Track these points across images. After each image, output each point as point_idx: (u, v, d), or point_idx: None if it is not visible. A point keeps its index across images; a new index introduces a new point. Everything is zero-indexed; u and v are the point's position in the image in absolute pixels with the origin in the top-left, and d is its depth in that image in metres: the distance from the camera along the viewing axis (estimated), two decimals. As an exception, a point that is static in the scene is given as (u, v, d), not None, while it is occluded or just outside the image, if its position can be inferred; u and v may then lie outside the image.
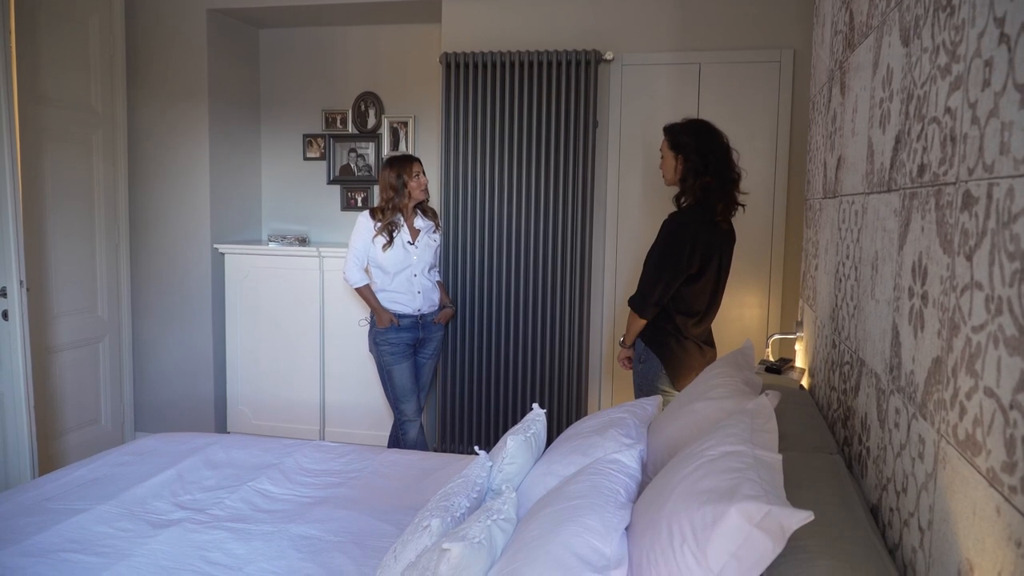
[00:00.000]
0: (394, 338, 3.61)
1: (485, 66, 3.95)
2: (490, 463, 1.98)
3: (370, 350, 3.72)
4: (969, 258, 1.06)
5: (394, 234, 3.56)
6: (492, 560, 1.45)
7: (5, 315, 3.16)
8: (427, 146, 4.56)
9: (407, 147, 4.59)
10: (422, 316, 3.69)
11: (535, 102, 3.91)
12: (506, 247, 4.01)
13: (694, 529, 1.22)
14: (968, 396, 1.05)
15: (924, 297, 1.28)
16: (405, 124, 4.60)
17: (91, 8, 4.00)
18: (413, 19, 4.45)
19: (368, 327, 3.75)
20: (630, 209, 3.98)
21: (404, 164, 3.58)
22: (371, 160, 4.68)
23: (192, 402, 4.53)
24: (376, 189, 4.62)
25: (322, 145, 4.74)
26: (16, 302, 3.16)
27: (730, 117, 3.61)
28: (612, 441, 1.93)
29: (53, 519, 2.18)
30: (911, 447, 1.33)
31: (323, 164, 4.76)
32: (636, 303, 2.86)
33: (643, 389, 2.92)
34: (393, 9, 4.28)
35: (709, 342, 3.00)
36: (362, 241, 3.59)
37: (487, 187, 4.00)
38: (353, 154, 4.71)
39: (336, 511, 2.28)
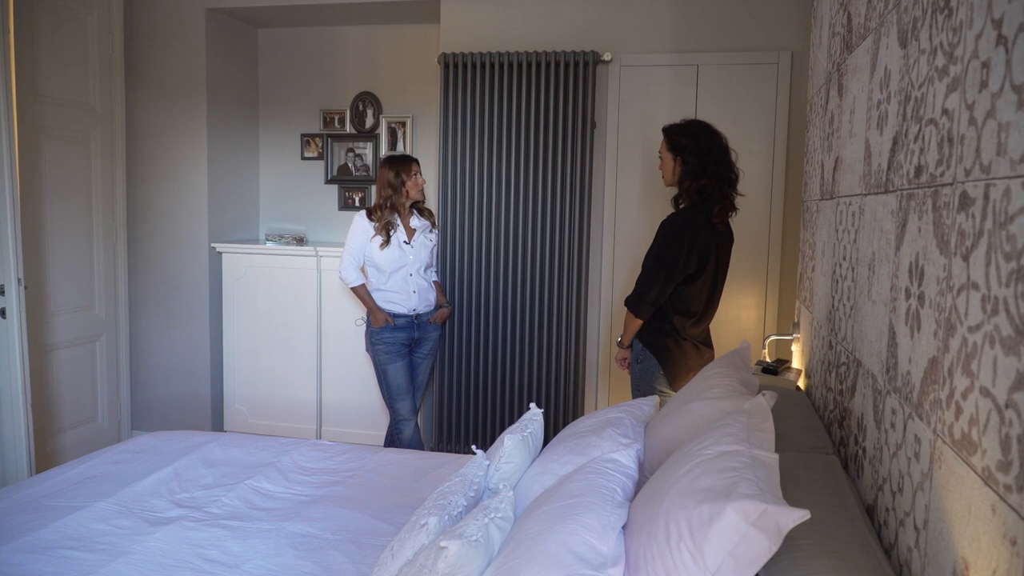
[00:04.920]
0: (389, 337, 3.62)
1: (483, 66, 3.96)
2: (487, 462, 1.98)
3: (367, 349, 3.73)
4: (966, 259, 1.07)
5: (391, 233, 3.56)
6: (489, 558, 1.46)
7: (3, 313, 3.15)
8: (425, 146, 4.56)
9: (405, 147, 4.60)
10: (418, 316, 3.69)
11: (533, 103, 3.91)
12: (503, 247, 4.01)
13: (691, 527, 1.22)
14: (964, 396, 1.05)
15: (921, 298, 1.28)
16: (403, 124, 4.61)
17: (90, 6, 4.00)
18: (411, 19, 4.45)
19: (364, 326, 3.75)
20: (627, 210, 3.99)
21: (403, 163, 3.58)
22: (369, 160, 4.69)
23: (189, 401, 4.52)
24: (373, 189, 4.62)
25: (320, 145, 4.74)
26: (14, 300, 3.16)
27: (728, 118, 3.62)
28: (609, 441, 1.94)
29: (50, 516, 2.18)
30: (907, 447, 1.33)
31: (321, 164, 4.76)
32: (632, 303, 2.86)
33: (641, 389, 2.93)
34: (392, 9, 4.28)
35: (707, 343, 3.00)
36: (358, 240, 3.60)
37: (485, 187, 4.00)
38: (351, 154, 4.72)
39: (333, 509, 2.28)
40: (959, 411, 1.07)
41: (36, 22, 3.66)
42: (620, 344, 3.00)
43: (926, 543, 1.19)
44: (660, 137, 2.94)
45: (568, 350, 3.99)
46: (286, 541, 2.07)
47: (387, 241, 3.55)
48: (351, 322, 4.24)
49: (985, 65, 1.03)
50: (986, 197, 1.00)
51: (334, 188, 4.76)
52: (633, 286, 2.91)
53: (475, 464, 1.95)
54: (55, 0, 3.76)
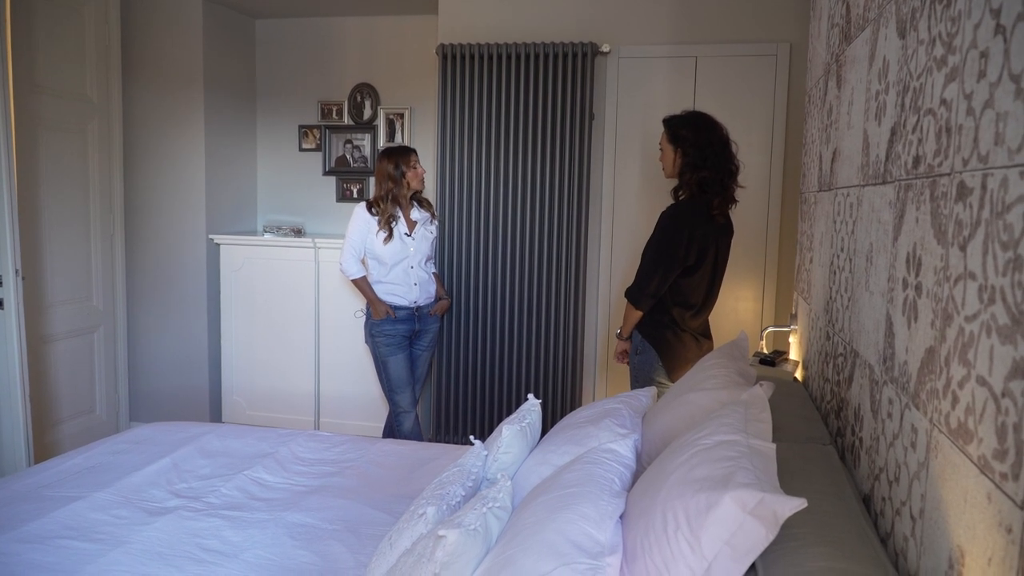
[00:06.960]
0: (390, 330, 3.62)
1: (482, 58, 3.95)
2: (485, 452, 1.99)
3: (366, 341, 3.73)
4: (963, 248, 1.07)
5: (392, 226, 3.56)
6: (487, 547, 1.46)
7: (0, 304, 3.15)
8: (423, 138, 4.56)
9: (403, 139, 4.59)
10: (418, 308, 3.69)
11: (531, 94, 3.90)
12: (502, 239, 4.01)
13: (688, 516, 1.23)
14: (960, 385, 1.06)
15: (918, 288, 1.29)
16: (401, 116, 4.60)
17: (86, -4, 3.98)
18: (410, 10, 4.44)
19: (364, 318, 3.75)
20: (626, 202, 3.99)
21: (402, 155, 3.58)
22: (367, 151, 4.68)
23: (187, 392, 4.53)
24: (371, 180, 4.62)
25: (318, 136, 4.73)
26: (11, 291, 3.15)
27: (726, 111, 3.60)
28: (607, 431, 1.94)
29: (49, 506, 2.19)
30: (903, 437, 1.34)
31: (319, 155, 4.75)
32: (632, 294, 2.86)
33: (640, 381, 2.93)
34: (390, 0, 4.27)
35: (706, 334, 3.01)
36: (359, 233, 3.59)
37: (483, 179, 4.00)
38: (349, 145, 4.71)
39: (331, 499, 2.29)
40: (955, 400, 1.07)
41: (33, 14, 3.65)
42: (619, 336, 3.01)
43: (922, 532, 1.20)
44: (659, 128, 2.93)
45: (566, 341, 3.99)
46: (284, 531, 2.08)
47: (389, 235, 3.54)
48: (349, 314, 4.24)
49: (983, 55, 1.02)
50: (983, 187, 1.00)
51: (332, 180, 4.75)
52: (632, 278, 2.91)
53: (473, 455, 1.95)
54: (51, -10, 3.75)
